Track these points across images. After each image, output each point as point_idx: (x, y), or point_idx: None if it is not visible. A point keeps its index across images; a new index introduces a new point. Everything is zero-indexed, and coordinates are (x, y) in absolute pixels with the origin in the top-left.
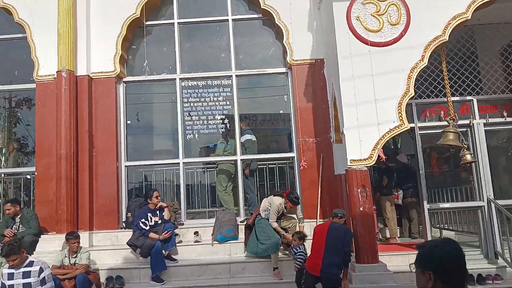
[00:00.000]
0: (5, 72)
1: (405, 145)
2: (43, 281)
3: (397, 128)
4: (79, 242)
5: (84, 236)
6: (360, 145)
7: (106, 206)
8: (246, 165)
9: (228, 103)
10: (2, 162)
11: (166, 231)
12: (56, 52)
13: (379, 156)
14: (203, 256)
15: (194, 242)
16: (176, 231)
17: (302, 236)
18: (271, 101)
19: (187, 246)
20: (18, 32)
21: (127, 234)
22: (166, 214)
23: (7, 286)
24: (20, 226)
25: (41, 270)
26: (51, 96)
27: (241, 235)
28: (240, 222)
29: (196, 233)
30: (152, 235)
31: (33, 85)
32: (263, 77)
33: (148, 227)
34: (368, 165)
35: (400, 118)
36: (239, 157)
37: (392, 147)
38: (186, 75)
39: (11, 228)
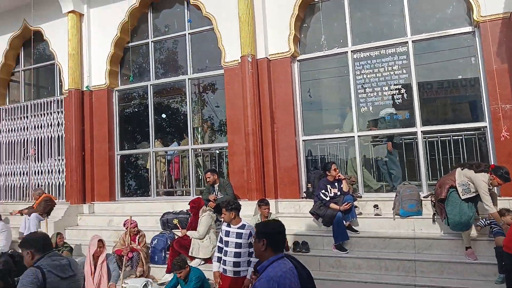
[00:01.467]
0: (196, 62)
1: None
2: (251, 245)
3: None
4: (269, 208)
5: (271, 203)
6: None
7: (288, 177)
8: (388, 140)
9: (404, 71)
10: (199, 139)
11: (346, 203)
12: (238, 39)
13: None
14: (385, 230)
15: (374, 215)
16: (355, 203)
17: None
18: (452, 66)
19: (367, 218)
20: (206, 25)
21: (308, 204)
22: (344, 186)
23: (223, 241)
24: (218, 193)
25: (250, 234)
26: (237, 80)
27: (425, 211)
28: (423, 197)
29: (375, 206)
30: (332, 205)
31: (220, 71)
32: (443, 39)
33: (328, 198)
34: None
35: None
36: (419, 128)
37: None
38: (358, 47)
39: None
